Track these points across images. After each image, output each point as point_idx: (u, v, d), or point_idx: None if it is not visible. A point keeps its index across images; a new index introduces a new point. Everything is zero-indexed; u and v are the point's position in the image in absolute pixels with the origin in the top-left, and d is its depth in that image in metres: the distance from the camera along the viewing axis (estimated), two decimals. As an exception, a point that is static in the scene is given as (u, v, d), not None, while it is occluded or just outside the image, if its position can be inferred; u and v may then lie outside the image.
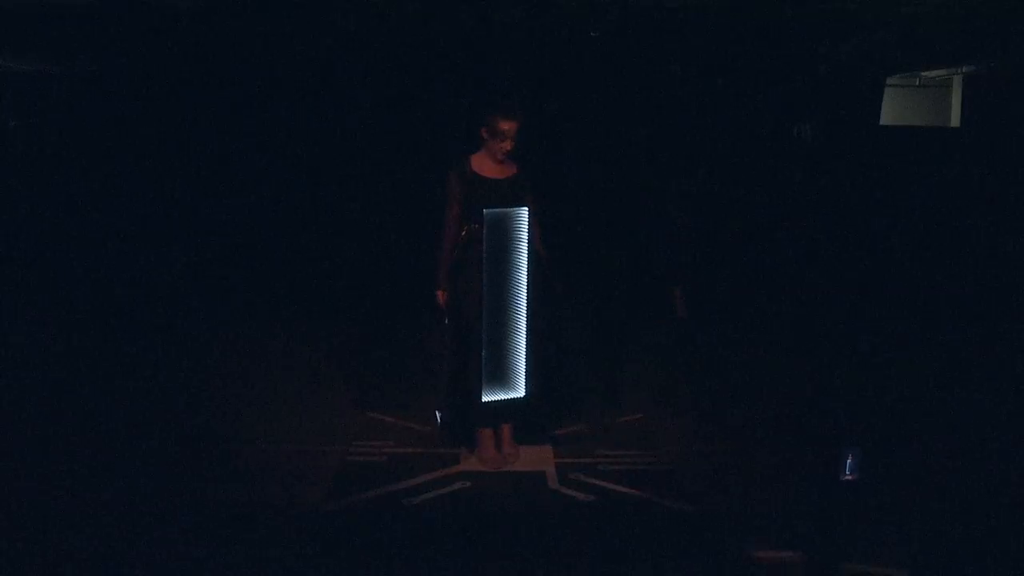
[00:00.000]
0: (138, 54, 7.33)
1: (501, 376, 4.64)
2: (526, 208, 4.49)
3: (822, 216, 7.53)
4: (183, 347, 6.67)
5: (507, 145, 4.48)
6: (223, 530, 3.89)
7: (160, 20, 5.96)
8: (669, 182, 7.68)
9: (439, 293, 4.62)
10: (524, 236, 4.50)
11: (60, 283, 7.73)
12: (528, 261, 4.52)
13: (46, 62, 7.68)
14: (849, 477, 4.32)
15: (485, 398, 4.62)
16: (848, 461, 4.33)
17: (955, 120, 9.34)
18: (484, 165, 4.56)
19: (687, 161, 7.69)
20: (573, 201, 7.39)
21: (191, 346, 6.71)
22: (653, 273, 7.66)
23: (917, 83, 9.27)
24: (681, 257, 7.51)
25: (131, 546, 3.74)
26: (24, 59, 7.54)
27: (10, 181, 8.03)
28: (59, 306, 7.42)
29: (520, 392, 4.69)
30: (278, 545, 3.79)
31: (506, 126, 4.44)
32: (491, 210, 4.42)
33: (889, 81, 8.34)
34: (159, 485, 4.32)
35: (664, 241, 7.63)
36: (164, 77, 7.72)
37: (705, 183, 7.69)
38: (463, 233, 4.51)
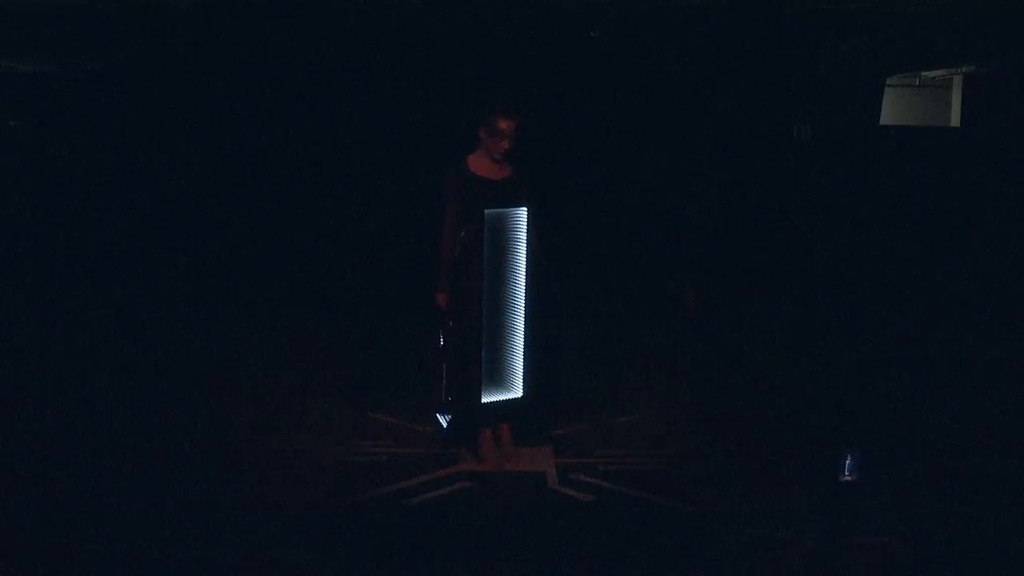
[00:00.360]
0: (138, 54, 7.33)
1: (501, 376, 4.64)
2: (525, 208, 4.50)
3: (822, 216, 7.53)
4: (183, 347, 6.67)
5: (505, 144, 4.49)
6: (223, 530, 3.89)
7: (160, 20, 5.96)
8: (680, 184, 7.68)
9: (439, 296, 4.62)
10: (523, 236, 4.51)
11: (60, 283, 7.73)
12: (527, 261, 4.53)
13: (46, 62, 7.68)
14: (849, 477, 4.33)
15: (485, 399, 4.62)
16: (848, 461, 4.34)
17: (955, 120, 9.35)
18: (481, 165, 4.57)
19: (687, 162, 7.69)
20: (572, 201, 7.39)
21: (191, 346, 6.71)
22: (658, 273, 7.67)
23: (917, 83, 9.28)
24: (690, 257, 7.52)
25: (131, 546, 3.74)
26: (24, 59, 7.54)
27: (10, 181, 8.03)
28: (59, 306, 7.42)
29: (519, 392, 4.69)
30: (278, 545, 3.79)
31: (505, 125, 4.46)
32: (491, 210, 4.43)
33: (889, 81, 8.35)
34: (159, 485, 4.32)
35: (671, 240, 7.63)
36: (164, 77, 7.72)
37: (711, 185, 7.70)
38: (462, 234, 4.52)
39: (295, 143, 7.79)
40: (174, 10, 5.60)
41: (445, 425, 4.87)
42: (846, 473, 4.32)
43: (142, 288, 7.62)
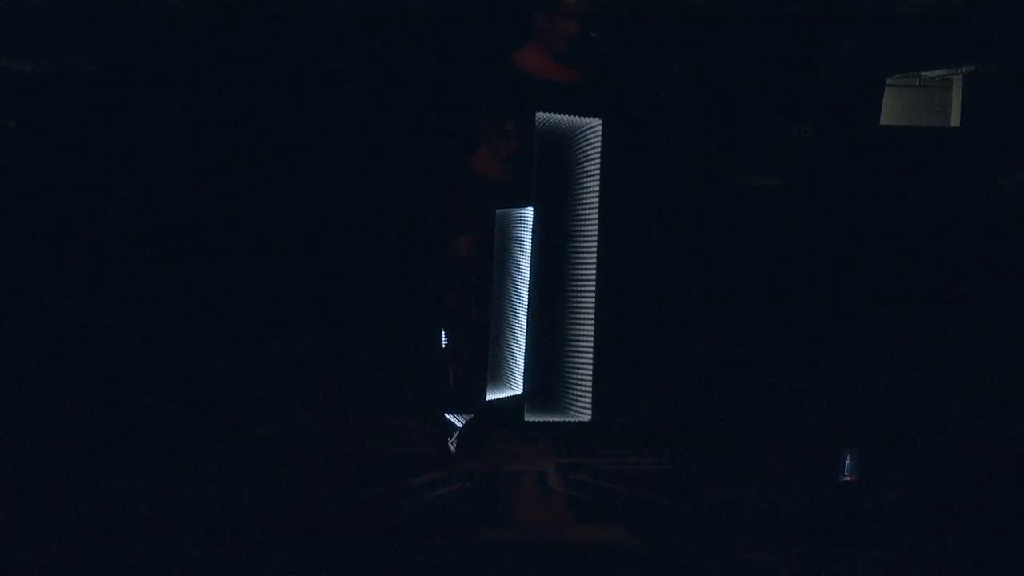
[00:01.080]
0: (138, 54, 7.32)
1: (504, 375, 4.64)
2: (531, 207, 4.51)
3: (821, 216, 7.53)
4: (182, 347, 6.66)
5: (511, 144, 4.50)
6: (223, 530, 3.89)
7: (160, 20, 5.96)
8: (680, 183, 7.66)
9: (442, 296, 4.62)
10: (527, 235, 4.52)
11: (60, 283, 7.71)
12: (531, 260, 4.54)
13: (46, 62, 7.67)
14: (848, 478, 4.33)
15: (488, 397, 4.62)
16: (847, 462, 4.34)
17: (955, 120, 9.33)
18: (484, 164, 4.57)
19: (687, 161, 7.68)
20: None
21: (190, 346, 6.70)
22: (658, 271, 7.65)
23: (917, 83, 9.26)
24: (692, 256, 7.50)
25: (131, 546, 3.74)
26: (24, 59, 7.53)
27: (10, 181, 8.02)
28: (60, 306, 7.41)
29: (522, 391, 4.69)
30: (278, 545, 3.78)
31: (511, 125, 4.47)
32: (501, 209, 4.45)
33: (889, 81, 8.34)
34: (159, 485, 4.32)
35: (673, 240, 7.62)
36: (164, 77, 7.71)
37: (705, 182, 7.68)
38: (465, 234, 4.52)
39: (296, 143, 7.78)
40: (174, 9, 5.61)
41: (460, 425, 4.86)
42: (846, 473, 4.33)
43: (142, 287, 7.61)
